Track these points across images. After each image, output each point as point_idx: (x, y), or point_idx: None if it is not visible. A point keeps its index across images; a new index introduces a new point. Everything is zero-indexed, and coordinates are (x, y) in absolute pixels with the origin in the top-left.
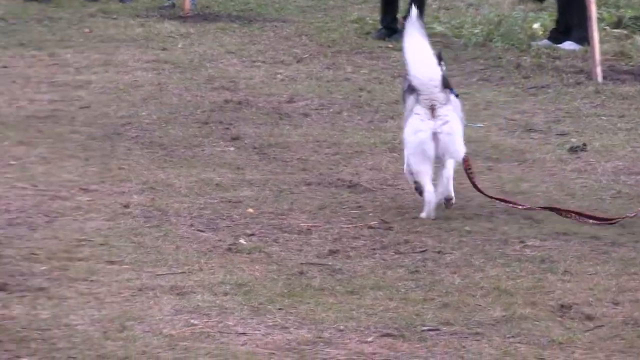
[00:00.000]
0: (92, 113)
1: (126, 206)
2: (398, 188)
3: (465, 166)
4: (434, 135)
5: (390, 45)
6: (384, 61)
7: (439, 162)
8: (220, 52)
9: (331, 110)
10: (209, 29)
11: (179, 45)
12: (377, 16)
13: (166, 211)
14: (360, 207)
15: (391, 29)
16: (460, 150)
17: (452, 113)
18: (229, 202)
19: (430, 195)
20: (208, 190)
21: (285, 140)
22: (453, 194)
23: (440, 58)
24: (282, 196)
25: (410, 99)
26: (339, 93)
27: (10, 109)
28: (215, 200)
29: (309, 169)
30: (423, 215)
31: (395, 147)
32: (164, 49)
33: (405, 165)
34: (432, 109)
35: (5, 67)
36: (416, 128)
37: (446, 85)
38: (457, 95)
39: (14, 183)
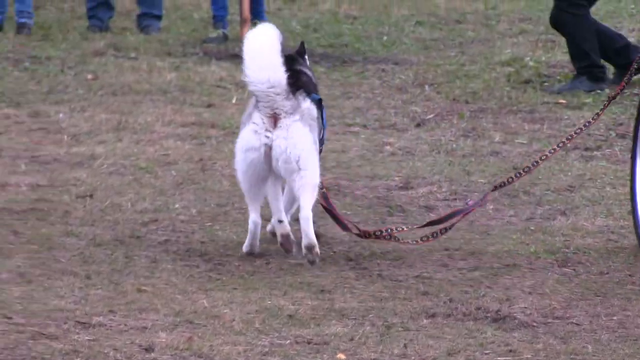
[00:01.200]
0: (96, 205)
1: (148, 349)
2: (572, 322)
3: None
4: (269, 150)
5: (563, 101)
6: (550, 125)
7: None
8: None
9: (469, 200)
10: None
11: (233, 100)
12: (542, 54)
13: (211, 358)
14: (512, 351)
15: (595, 74)
16: (311, 166)
17: (297, 124)
18: (309, 343)
19: (254, 225)
20: (276, 326)
21: (397, 247)
22: (315, 240)
23: (301, 55)
24: (390, 335)
25: (250, 104)
26: (481, 175)
27: None
28: (288, 341)
29: (433, 293)
30: (244, 249)
31: (569, 259)
32: (209, 106)
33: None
34: (275, 118)
35: None
36: (248, 144)
37: (302, 88)
38: (320, 100)
39: None
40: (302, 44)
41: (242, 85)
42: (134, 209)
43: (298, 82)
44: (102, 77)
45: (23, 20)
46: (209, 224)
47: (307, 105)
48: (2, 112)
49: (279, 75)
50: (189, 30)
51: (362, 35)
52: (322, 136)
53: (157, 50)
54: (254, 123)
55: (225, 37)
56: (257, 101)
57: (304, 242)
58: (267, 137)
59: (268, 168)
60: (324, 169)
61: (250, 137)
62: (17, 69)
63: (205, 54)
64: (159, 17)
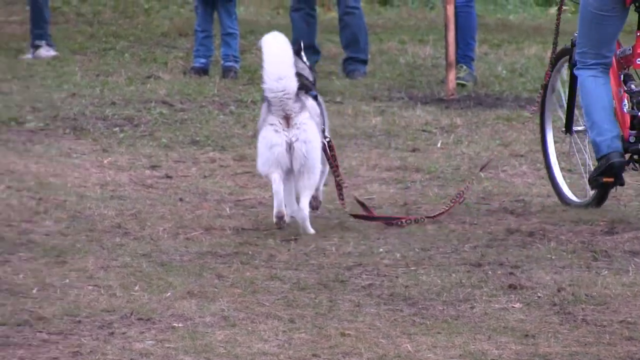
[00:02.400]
0: (301, 249)
1: None
2: None
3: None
4: (289, 147)
5: None
6: None
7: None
8: (502, 154)
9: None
10: (484, 118)
11: (438, 145)
12: None
13: None
14: None
15: None
16: (316, 166)
17: (308, 121)
18: None
19: (277, 185)
20: None
21: (602, 292)
22: (311, 230)
23: (297, 53)
24: None
25: (264, 107)
26: None
27: (177, 242)
28: None
29: (638, 338)
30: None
31: None
32: (414, 150)
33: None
34: (288, 118)
35: (169, 176)
36: (271, 139)
37: (305, 87)
38: (315, 97)
39: (176, 356)
40: (299, 43)
41: (447, 130)
42: (338, 253)
43: (302, 84)
44: None
45: (229, 64)
46: (413, 268)
47: (310, 102)
48: (207, 156)
49: (293, 84)
50: (394, 74)
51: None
52: (324, 130)
53: (363, 94)
54: (271, 124)
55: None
56: (270, 105)
57: (302, 231)
58: (287, 135)
59: (289, 161)
60: (529, 212)
61: (272, 135)
62: (222, 113)
63: (410, 98)
64: (364, 62)
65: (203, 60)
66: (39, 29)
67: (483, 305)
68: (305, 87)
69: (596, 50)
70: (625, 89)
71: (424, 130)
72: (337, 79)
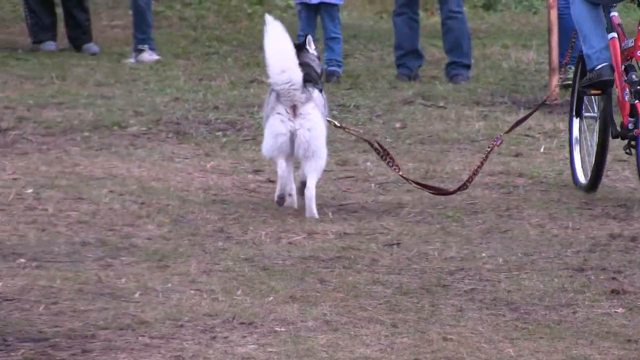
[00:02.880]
0: (403, 253)
1: None
2: None
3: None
4: (293, 135)
5: None
6: None
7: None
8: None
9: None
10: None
11: (541, 150)
12: None
13: None
14: None
15: None
16: (322, 151)
17: (313, 111)
18: None
19: (283, 171)
20: None
21: None
22: (316, 214)
23: (307, 44)
24: None
25: (272, 97)
26: None
27: (279, 247)
28: None
29: None
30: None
31: None
32: (517, 155)
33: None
34: (294, 108)
35: (271, 181)
36: (277, 126)
37: (311, 80)
38: (321, 90)
39: None
40: (307, 36)
41: (550, 134)
42: (441, 258)
43: (306, 76)
44: (410, 125)
45: (332, 68)
46: (516, 272)
47: (317, 94)
48: None
49: (297, 75)
50: (497, 79)
51: None
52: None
53: (466, 99)
54: (278, 113)
55: None
56: (278, 96)
57: (307, 214)
58: (292, 124)
59: (292, 148)
60: (631, 217)
61: (278, 124)
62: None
63: (513, 103)
64: (468, 66)
65: None
66: (142, 33)
67: (585, 310)
68: (311, 79)
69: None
70: (626, 79)
71: (527, 135)
72: (440, 84)
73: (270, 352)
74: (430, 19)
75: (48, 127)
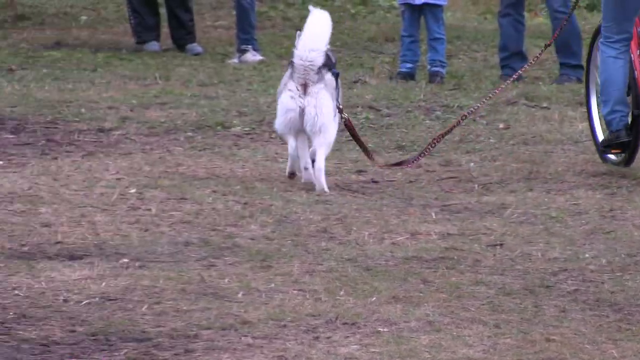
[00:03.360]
0: (506, 254)
1: None
2: None
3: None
4: (302, 111)
5: None
6: None
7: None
8: None
9: None
10: None
11: None
12: None
13: None
14: None
15: None
16: (329, 126)
17: (322, 91)
18: None
19: (292, 149)
20: None
21: None
22: (326, 188)
23: None
24: None
25: (287, 73)
26: None
27: (382, 247)
28: None
29: None
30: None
31: None
32: None
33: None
34: (305, 86)
35: (375, 181)
36: (287, 102)
37: (329, 65)
38: (337, 75)
39: None
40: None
41: None
42: (544, 258)
43: (327, 60)
44: (514, 126)
45: (436, 69)
46: (619, 273)
47: (329, 76)
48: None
49: (320, 58)
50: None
51: None
52: (339, 103)
53: (569, 99)
54: (289, 90)
55: None
56: (293, 72)
57: (317, 188)
58: (301, 101)
59: (301, 124)
60: None
61: (288, 101)
62: (428, 118)
63: None
64: (577, 67)
65: (409, 65)
66: (245, 33)
67: None
68: (329, 65)
69: (619, 25)
70: None
71: None
72: (544, 85)
73: (372, 352)
74: (534, 20)
75: (151, 127)
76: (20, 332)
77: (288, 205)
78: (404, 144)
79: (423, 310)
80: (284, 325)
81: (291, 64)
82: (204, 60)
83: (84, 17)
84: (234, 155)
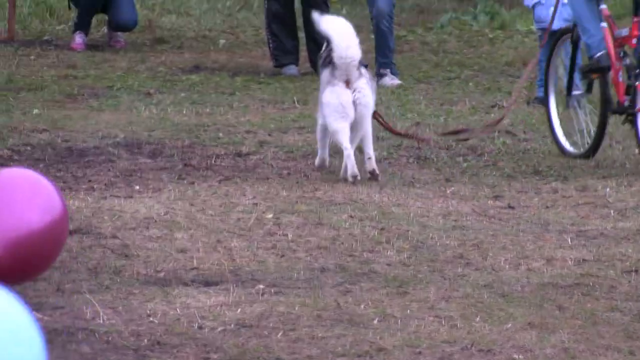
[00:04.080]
0: None
1: None
2: None
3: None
4: (353, 103)
5: None
6: None
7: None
8: None
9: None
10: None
11: None
12: None
13: None
14: None
15: None
16: (370, 117)
17: (366, 85)
18: None
19: (349, 151)
20: None
21: None
22: (376, 169)
23: None
24: None
25: (326, 72)
26: None
27: (518, 273)
28: None
29: None
30: (348, 174)
31: None
32: None
33: (318, 126)
34: (348, 82)
35: (511, 207)
36: (339, 93)
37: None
38: (366, 66)
39: None
40: None
41: None
42: None
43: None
44: None
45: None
46: None
47: (367, 74)
48: (550, 186)
49: (358, 52)
50: None
51: None
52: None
53: None
54: (334, 85)
55: None
56: (334, 70)
57: (367, 168)
58: (347, 94)
59: (351, 114)
60: None
61: (340, 90)
62: None
63: None
64: None
65: None
66: (383, 57)
67: None
68: (363, 62)
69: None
70: (623, 63)
71: None
72: None
73: None
74: None
75: (289, 152)
76: (155, 359)
77: (424, 230)
78: (540, 169)
79: (558, 337)
80: (420, 352)
81: (331, 64)
82: None
83: (222, 41)
84: (371, 180)
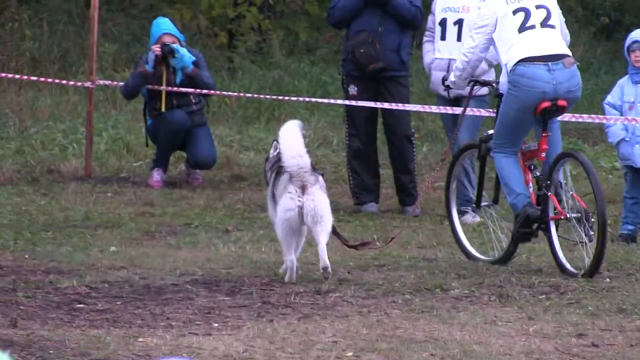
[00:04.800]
0: None
1: None
2: None
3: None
4: (301, 210)
5: None
6: None
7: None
8: None
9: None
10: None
11: None
12: None
13: None
14: None
15: None
16: (328, 219)
17: (318, 191)
18: None
19: (292, 262)
20: None
21: None
22: (328, 263)
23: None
24: None
25: (284, 178)
26: None
27: None
28: None
29: None
30: (286, 278)
31: None
32: None
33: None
34: (303, 188)
35: (595, 345)
36: (287, 206)
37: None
38: (322, 174)
39: None
40: (273, 142)
41: None
42: None
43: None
44: None
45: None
46: None
47: (320, 179)
48: (634, 324)
49: (307, 160)
50: None
51: None
52: None
53: None
54: (289, 192)
55: None
56: (291, 177)
57: (321, 265)
58: (300, 201)
59: (300, 222)
60: None
61: (288, 202)
62: None
63: None
64: None
65: (631, 227)
66: (465, 196)
67: None
68: (316, 168)
69: (512, 145)
70: (532, 175)
71: None
72: None
73: None
74: None
75: (369, 290)
76: None
77: None
78: (624, 307)
79: None
80: None
81: (285, 171)
82: (422, 221)
83: None
84: (452, 318)
